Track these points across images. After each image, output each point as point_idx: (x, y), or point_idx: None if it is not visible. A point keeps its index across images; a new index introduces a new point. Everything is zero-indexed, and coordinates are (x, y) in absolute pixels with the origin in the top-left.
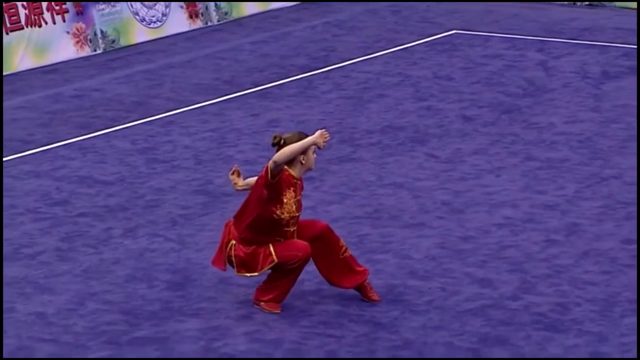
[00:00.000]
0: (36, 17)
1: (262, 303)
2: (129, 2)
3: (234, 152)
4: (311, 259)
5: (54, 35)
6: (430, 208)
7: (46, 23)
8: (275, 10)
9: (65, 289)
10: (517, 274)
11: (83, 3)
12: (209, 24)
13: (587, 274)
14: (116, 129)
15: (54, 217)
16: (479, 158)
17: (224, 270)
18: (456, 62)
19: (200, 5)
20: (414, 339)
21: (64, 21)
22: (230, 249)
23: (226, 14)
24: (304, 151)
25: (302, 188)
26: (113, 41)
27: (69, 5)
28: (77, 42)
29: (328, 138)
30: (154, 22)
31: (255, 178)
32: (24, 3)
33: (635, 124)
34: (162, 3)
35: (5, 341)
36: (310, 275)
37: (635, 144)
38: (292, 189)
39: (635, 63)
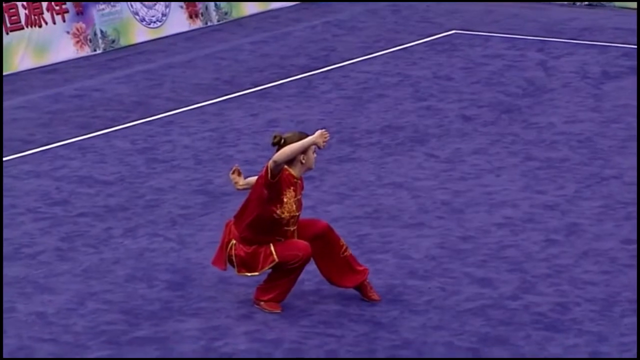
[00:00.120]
0: (36, 17)
1: (262, 302)
2: (128, 2)
3: (233, 152)
4: (312, 252)
5: (54, 35)
6: (430, 208)
7: (46, 23)
8: (275, 10)
9: (65, 289)
10: (517, 273)
11: (83, 3)
12: (209, 24)
13: (587, 274)
14: (116, 129)
15: (54, 217)
16: (478, 158)
17: (225, 269)
18: (456, 62)
19: (200, 5)
20: (414, 338)
21: (64, 21)
22: (231, 248)
23: (226, 14)
24: (304, 151)
25: (302, 187)
26: (113, 41)
27: (69, 5)
28: (77, 42)
29: (328, 138)
30: (154, 22)
31: (256, 177)
32: (24, 3)
33: (635, 124)
34: (162, 3)
35: (5, 341)
36: (310, 275)
37: (635, 144)
38: (292, 188)
39: (635, 63)
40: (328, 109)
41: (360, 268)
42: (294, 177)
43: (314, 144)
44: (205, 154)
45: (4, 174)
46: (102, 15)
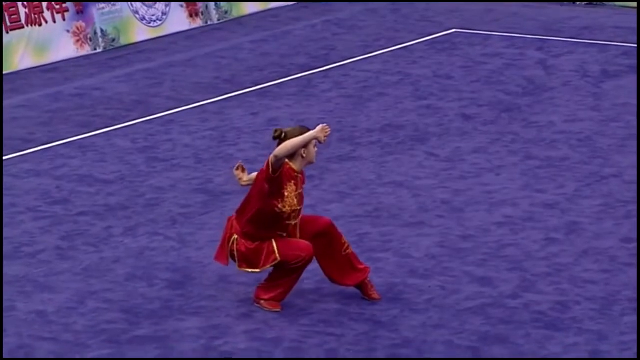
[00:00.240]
0: (36, 16)
1: (262, 301)
2: (129, 2)
3: (234, 151)
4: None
5: (54, 34)
6: (430, 207)
7: (46, 22)
8: (275, 9)
9: (65, 288)
10: (517, 272)
11: (83, 2)
12: (209, 22)
13: (587, 273)
14: (116, 128)
15: (54, 216)
16: (478, 157)
17: (227, 265)
18: (456, 61)
19: (200, 4)
20: (414, 337)
21: (64, 20)
22: (233, 243)
23: (226, 12)
24: (305, 145)
25: (303, 182)
26: (113, 40)
27: (69, 4)
28: (77, 41)
29: (329, 132)
30: (154, 21)
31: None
32: (24, 2)
33: (635, 123)
34: (162, 2)
35: (5, 340)
36: (310, 274)
37: (635, 142)
38: (293, 182)
39: (635, 62)
40: (328, 108)
41: (362, 266)
42: (294, 171)
43: (315, 138)
44: (206, 153)
45: (4, 172)
46: (102, 14)
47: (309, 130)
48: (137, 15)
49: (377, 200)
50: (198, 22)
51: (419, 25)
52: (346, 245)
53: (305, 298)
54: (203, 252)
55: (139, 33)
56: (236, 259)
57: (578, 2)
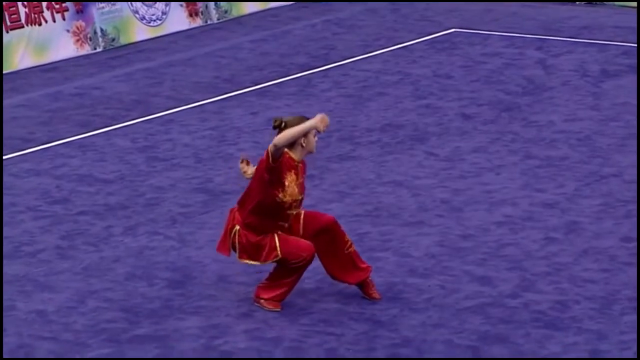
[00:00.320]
0: (36, 16)
1: (262, 301)
2: (129, 1)
3: (233, 150)
4: (315, 252)
5: (54, 33)
6: (429, 206)
7: (46, 21)
8: (274, 8)
9: (65, 287)
10: (517, 272)
11: (83, 2)
12: (209, 22)
13: (587, 272)
14: (116, 127)
15: (54, 215)
16: (478, 156)
17: (229, 256)
18: (455, 61)
19: (200, 3)
20: (414, 336)
21: (64, 19)
22: (234, 235)
23: (226, 12)
24: (304, 134)
25: (304, 171)
26: (113, 39)
27: (69, 3)
28: (77, 40)
29: (328, 123)
30: (154, 21)
31: None
32: (24, 2)
33: (634, 122)
34: (162, 2)
35: (5, 339)
36: (310, 273)
37: (634, 142)
38: (293, 171)
39: (634, 61)
40: (328, 108)
41: (364, 265)
42: (294, 160)
43: (314, 127)
44: (205, 153)
45: (4, 172)
46: (102, 13)
47: (308, 119)
48: (137, 15)
49: (377, 200)
50: (198, 22)
51: (419, 25)
52: (349, 243)
53: (305, 297)
54: (203, 251)
55: (139, 32)
56: (237, 250)
57: (578, 2)
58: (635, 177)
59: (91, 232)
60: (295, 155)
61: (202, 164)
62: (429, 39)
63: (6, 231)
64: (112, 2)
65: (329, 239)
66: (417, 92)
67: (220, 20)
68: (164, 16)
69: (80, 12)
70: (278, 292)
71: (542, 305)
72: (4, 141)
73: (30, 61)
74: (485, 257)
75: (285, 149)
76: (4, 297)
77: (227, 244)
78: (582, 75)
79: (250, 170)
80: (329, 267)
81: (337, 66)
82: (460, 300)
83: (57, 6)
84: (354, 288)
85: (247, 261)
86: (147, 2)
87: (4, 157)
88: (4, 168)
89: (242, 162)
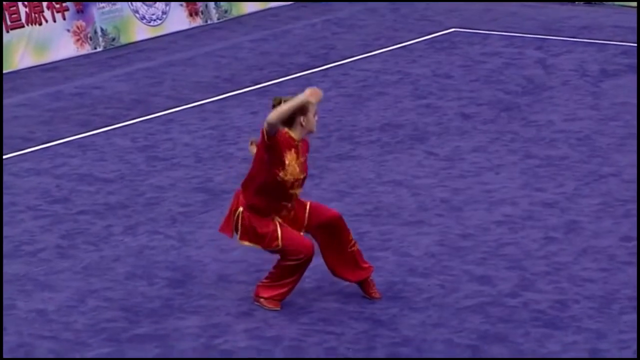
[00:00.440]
0: (36, 15)
1: (262, 300)
2: (129, 1)
3: (233, 150)
4: (318, 247)
5: (54, 33)
6: (429, 206)
7: (46, 21)
8: (274, 8)
9: (65, 286)
10: (516, 271)
11: (83, 1)
12: (209, 22)
13: (586, 271)
14: (116, 127)
15: (54, 215)
16: (478, 156)
17: (231, 237)
18: (455, 60)
19: (200, 3)
20: (413, 336)
21: (64, 19)
22: (238, 216)
23: (226, 12)
24: (303, 112)
25: (306, 150)
26: (113, 39)
27: (69, 3)
28: (78, 40)
29: (320, 94)
30: (154, 20)
31: None
32: (25, 1)
33: (634, 122)
34: (162, 1)
35: (5, 338)
36: (310, 272)
37: (634, 141)
38: (293, 150)
39: (634, 61)
40: (328, 107)
41: (366, 265)
42: (294, 139)
43: (307, 101)
44: (206, 152)
45: (4, 171)
46: (103, 13)
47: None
48: (137, 15)
49: (377, 199)
50: (198, 21)
51: (419, 25)
52: (353, 242)
53: (305, 297)
54: (203, 250)
55: (139, 32)
56: (239, 231)
57: (577, 2)
58: (634, 177)
59: (91, 232)
60: (294, 134)
61: (202, 164)
62: (428, 39)
63: (6, 230)
64: (112, 2)
65: (332, 234)
66: (417, 91)
67: (220, 20)
68: (164, 16)
69: (80, 12)
70: (278, 291)
71: (542, 304)
72: (4, 140)
73: (30, 61)
74: (485, 256)
75: (286, 129)
76: (4, 296)
77: (230, 225)
78: (582, 75)
79: None
80: (331, 262)
81: (337, 66)
82: (460, 300)
83: (57, 6)
84: (353, 287)
85: (247, 243)
86: (147, 2)
87: (4, 157)
88: (4, 167)
89: (251, 144)
